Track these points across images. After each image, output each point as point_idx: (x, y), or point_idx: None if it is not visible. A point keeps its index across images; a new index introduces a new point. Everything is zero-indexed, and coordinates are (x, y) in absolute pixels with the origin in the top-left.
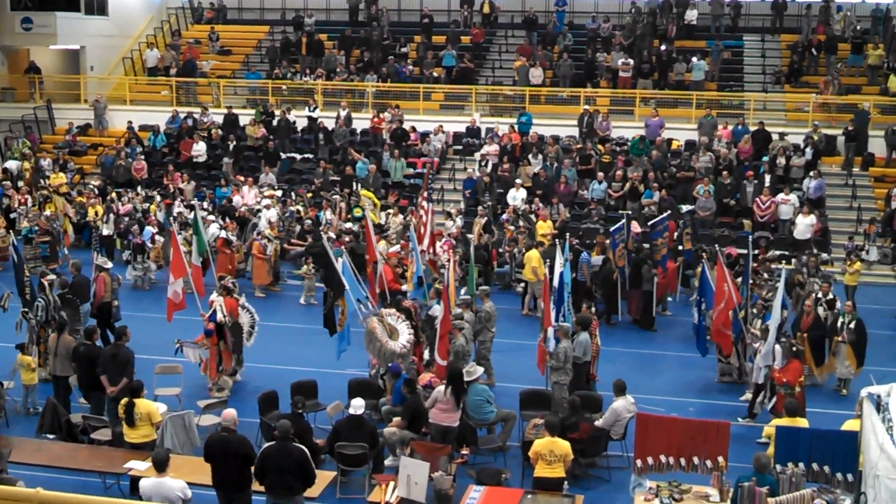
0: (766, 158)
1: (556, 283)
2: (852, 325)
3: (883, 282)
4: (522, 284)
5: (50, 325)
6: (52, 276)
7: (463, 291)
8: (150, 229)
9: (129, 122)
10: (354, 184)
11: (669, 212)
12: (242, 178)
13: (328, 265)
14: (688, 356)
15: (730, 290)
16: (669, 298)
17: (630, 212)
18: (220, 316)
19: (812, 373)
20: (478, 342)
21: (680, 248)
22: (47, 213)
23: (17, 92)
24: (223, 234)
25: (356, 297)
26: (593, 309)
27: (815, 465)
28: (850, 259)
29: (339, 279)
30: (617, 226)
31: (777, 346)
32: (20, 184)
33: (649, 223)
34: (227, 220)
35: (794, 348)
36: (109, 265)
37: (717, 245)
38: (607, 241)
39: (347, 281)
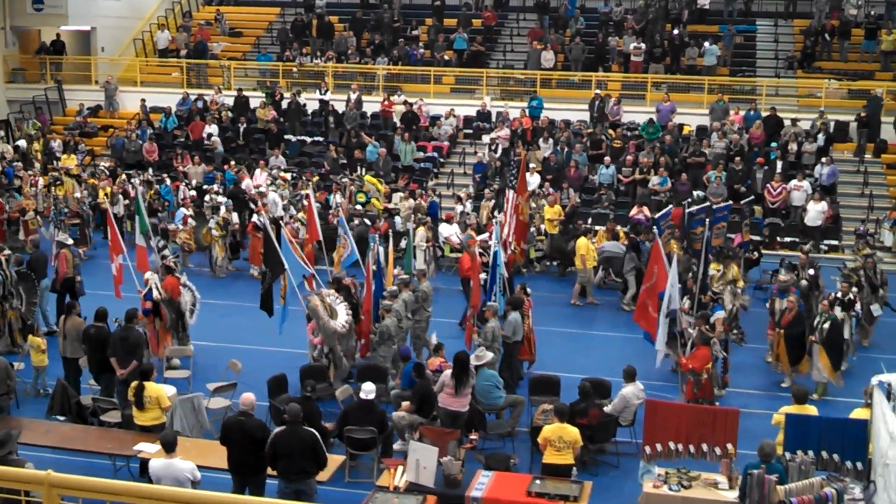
0: (774, 143)
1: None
2: (826, 326)
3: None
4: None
5: (7, 300)
6: (7, 252)
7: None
8: (182, 211)
9: (143, 101)
10: (359, 168)
11: (708, 203)
12: (240, 165)
13: (268, 244)
14: None
15: (660, 271)
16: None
17: (690, 200)
18: (155, 294)
19: (784, 371)
20: (414, 321)
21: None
22: (77, 195)
23: (28, 73)
24: (254, 218)
25: (302, 273)
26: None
27: (824, 454)
28: (858, 245)
29: (280, 259)
30: (663, 212)
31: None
32: (36, 165)
33: (687, 212)
34: (260, 203)
35: (702, 336)
36: (70, 242)
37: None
38: (618, 227)
39: (288, 260)
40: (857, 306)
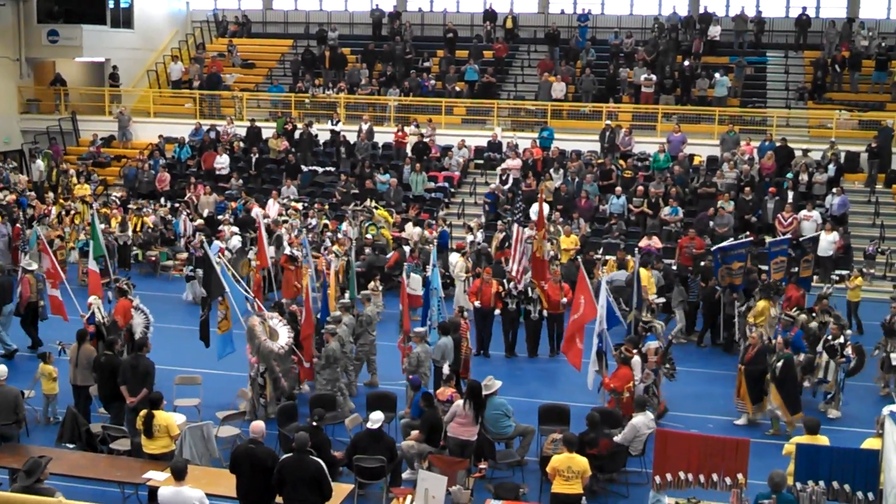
0: (790, 175)
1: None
2: (779, 364)
3: None
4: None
5: None
6: None
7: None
8: (217, 244)
9: (161, 136)
10: (368, 200)
11: (750, 237)
12: (249, 197)
13: (208, 270)
14: (716, 373)
15: (587, 302)
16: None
17: (749, 235)
18: (98, 317)
19: (747, 409)
20: (358, 345)
21: (794, 271)
22: (101, 225)
23: (42, 103)
24: (287, 250)
25: (239, 298)
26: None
27: (835, 484)
28: (853, 273)
29: (220, 283)
30: (718, 245)
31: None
32: (50, 195)
33: (720, 245)
34: (292, 235)
35: (622, 356)
36: (34, 267)
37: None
38: (628, 256)
39: (228, 285)
40: (848, 350)
